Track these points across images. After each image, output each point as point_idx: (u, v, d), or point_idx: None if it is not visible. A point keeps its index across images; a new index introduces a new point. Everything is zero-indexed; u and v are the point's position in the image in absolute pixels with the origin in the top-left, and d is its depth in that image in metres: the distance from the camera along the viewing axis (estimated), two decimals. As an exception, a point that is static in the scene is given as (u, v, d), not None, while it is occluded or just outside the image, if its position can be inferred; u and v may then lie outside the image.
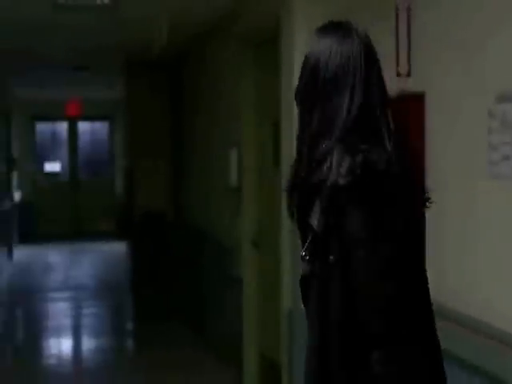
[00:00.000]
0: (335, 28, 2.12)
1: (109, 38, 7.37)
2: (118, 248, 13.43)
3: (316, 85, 2.01)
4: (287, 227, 4.41)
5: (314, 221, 1.81)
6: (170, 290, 9.28)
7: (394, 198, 1.80)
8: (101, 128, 16.66)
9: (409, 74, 3.86)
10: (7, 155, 12.92)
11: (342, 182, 1.75)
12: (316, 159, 1.85)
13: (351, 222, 1.74)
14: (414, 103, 3.78)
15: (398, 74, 3.92)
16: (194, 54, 7.66)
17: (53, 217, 15.77)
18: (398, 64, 3.93)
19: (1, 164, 11.63)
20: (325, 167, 1.81)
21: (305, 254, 1.86)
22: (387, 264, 1.75)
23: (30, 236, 15.00)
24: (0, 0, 5.52)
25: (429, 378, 1.79)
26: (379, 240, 1.74)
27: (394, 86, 3.91)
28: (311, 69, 2.06)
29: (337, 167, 1.78)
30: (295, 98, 2.10)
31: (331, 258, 1.78)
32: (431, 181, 3.68)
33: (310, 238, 1.84)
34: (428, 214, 3.33)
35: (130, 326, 8.97)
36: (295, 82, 4.15)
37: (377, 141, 1.91)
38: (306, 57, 2.11)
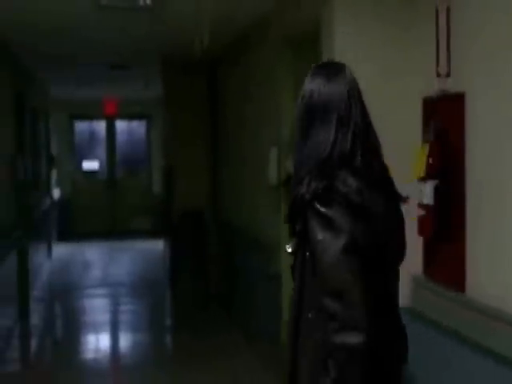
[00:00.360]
0: (327, 68, 2.50)
1: (149, 38, 7.47)
2: (154, 246, 13.55)
3: (307, 117, 2.40)
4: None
5: (298, 226, 2.34)
6: (208, 287, 9.37)
7: (353, 210, 2.25)
8: (138, 127, 16.80)
9: (448, 75, 3.90)
10: (47, 154, 13.10)
11: (307, 197, 2.25)
12: (300, 179, 2.33)
13: (311, 227, 2.25)
14: (454, 103, 3.82)
15: (438, 75, 3.97)
16: (233, 53, 7.74)
17: (90, 215, 15.94)
18: (437, 64, 3.97)
19: (41, 163, 11.81)
20: (303, 185, 2.29)
21: (291, 251, 2.42)
22: (338, 258, 2.20)
23: (67, 234, 15.19)
24: (37, 2, 5.63)
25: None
26: (331, 240, 2.21)
27: (434, 86, 3.97)
28: (304, 103, 2.43)
29: (307, 187, 2.27)
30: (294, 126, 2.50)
31: (307, 254, 2.31)
32: (471, 178, 3.73)
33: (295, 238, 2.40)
34: (468, 209, 3.38)
35: (168, 321, 9.08)
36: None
37: (347, 167, 2.32)
38: (301, 91, 2.47)
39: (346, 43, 4.30)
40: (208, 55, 7.56)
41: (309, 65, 4.87)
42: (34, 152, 10.48)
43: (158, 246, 12.64)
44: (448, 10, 3.89)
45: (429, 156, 3.85)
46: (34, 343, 7.91)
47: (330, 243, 2.20)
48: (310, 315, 2.33)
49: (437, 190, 3.84)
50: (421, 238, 4.12)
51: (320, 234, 2.22)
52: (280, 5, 5.39)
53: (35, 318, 8.70)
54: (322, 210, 2.21)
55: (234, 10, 5.84)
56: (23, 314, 8.44)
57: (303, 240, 2.31)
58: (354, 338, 2.16)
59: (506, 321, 3.45)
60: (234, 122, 7.89)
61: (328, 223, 2.20)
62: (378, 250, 2.32)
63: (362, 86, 4.22)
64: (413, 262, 4.26)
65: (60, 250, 13.85)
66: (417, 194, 3.94)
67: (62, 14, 6.10)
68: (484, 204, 3.64)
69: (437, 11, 3.96)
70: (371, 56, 4.31)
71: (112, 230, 15.95)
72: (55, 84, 12.19)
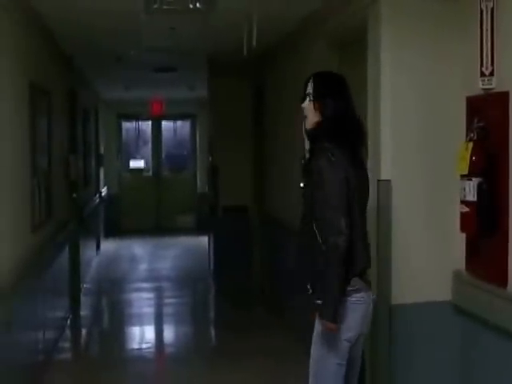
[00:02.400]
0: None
1: (197, 41, 7.54)
2: (199, 242, 13.65)
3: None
4: (374, 223, 4.47)
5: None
6: (252, 282, 9.43)
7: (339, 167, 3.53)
8: (183, 126, 16.94)
9: (492, 74, 3.90)
10: (96, 153, 13.27)
11: (320, 163, 3.54)
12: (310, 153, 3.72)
13: (318, 169, 3.55)
14: (497, 102, 3.81)
15: (482, 74, 3.96)
16: (279, 55, 7.77)
17: (136, 212, 16.10)
18: (481, 64, 3.97)
19: (90, 161, 11.97)
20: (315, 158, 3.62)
21: (303, 185, 3.74)
22: (329, 198, 3.49)
23: (114, 230, 15.37)
24: (93, 3, 5.70)
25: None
26: (326, 186, 3.50)
27: (478, 85, 3.97)
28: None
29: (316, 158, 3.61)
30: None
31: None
32: (514, 177, 3.71)
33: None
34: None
35: (213, 314, 9.15)
36: (382, 81, 4.21)
37: (340, 143, 3.61)
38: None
39: (391, 44, 4.31)
40: (253, 56, 7.60)
41: (355, 62, 4.89)
42: (84, 151, 10.63)
43: (202, 242, 12.73)
44: (492, 11, 3.89)
45: (472, 154, 3.85)
46: (83, 333, 8.05)
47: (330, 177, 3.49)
48: (314, 224, 3.55)
49: (480, 188, 3.84)
50: (463, 235, 4.12)
51: (324, 172, 3.49)
52: (326, 7, 5.40)
53: (85, 309, 8.84)
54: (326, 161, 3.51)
55: (280, 11, 5.87)
56: (74, 304, 8.58)
57: (311, 179, 3.60)
58: (339, 238, 3.43)
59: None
60: (278, 122, 7.92)
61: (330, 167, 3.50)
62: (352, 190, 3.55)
63: (409, 85, 4.25)
64: (455, 258, 4.26)
65: (107, 245, 14.02)
66: (460, 190, 3.95)
67: (115, 15, 6.18)
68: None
69: (481, 12, 3.96)
70: (417, 56, 4.31)
71: (157, 227, 16.10)
72: (104, 86, 12.34)
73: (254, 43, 5.55)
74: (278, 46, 7.55)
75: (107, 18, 6.30)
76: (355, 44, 4.98)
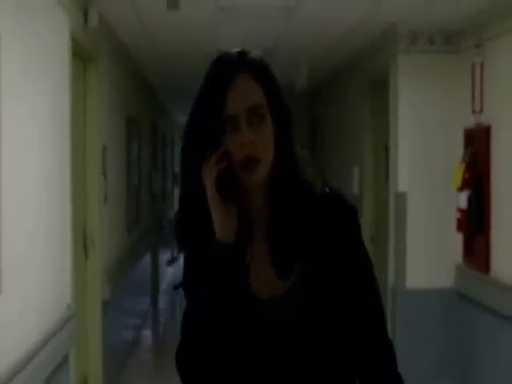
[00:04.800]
0: None
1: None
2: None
3: None
4: (393, 226, 5.59)
5: None
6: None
7: None
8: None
9: (481, 111, 4.98)
10: (172, 172, 14.62)
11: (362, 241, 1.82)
12: None
13: None
14: (483, 133, 4.90)
15: (474, 111, 5.06)
16: (325, 88, 8.90)
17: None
18: (473, 104, 5.06)
19: (167, 180, 13.29)
20: None
21: None
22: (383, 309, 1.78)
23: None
24: (178, 48, 6.82)
25: None
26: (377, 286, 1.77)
27: (471, 120, 5.08)
28: None
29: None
30: None
31: None
32: (494, 190, 4.79)
33: None
34: (492, 212, 4.46)
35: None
36: (399, 118, 5.30)
37: None
38: None
39: (406, 88, 5.44)
40: (306, 92, 8.72)
41: (383, 99, 5.99)
42: (162, 170, 11.95)
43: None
44: (482, 65, 4.98)
45: (464, 173, 4.94)
46: (161, 323, 9.28)
47: None
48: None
49: (470, 198, 4.92)
50: (460, 234, 5.20)
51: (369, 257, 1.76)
52: (363, 53, 6.52)
53: (162, 305, 10.09)
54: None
55: (326, 55, 6.96)
56: (154, 301, 9.83)
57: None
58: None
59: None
60: (328, 144, 9.02)
61: None
62: None
63: (419, 120, 5.35)
64: (455, 253, 5.34)
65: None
66: (455, 200, 5.04)
67: (193, 57, 7.27)
68: (503, 209, 4.69)
69: (473, 65, 5.06)
70: (425, 97, 5.43)
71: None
72: (180, 113, 13.64)
73: (305, 84, 6.68)
74: (324, 81, 8.67)
75: (188, 59, 7.42)
76: (384, 83, 6.09)
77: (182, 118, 14.61)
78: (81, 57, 4.61)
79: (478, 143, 4.98)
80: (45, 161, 3.52)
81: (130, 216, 7.06)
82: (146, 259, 9.05)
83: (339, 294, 1.62)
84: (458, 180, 4.98)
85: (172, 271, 12.98)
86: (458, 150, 5.25)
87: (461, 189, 4.98)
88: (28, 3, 3.20)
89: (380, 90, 6.14)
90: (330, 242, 1.62)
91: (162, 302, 10.28)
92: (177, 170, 16.10)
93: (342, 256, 1.63)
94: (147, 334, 8.48)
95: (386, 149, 5.90)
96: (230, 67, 1.62)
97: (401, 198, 5.43)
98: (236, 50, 1.67)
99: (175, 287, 1.72)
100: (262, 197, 1.66)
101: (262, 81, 1.64)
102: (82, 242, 4.83)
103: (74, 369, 4.14)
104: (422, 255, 5.44)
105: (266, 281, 1.62)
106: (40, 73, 3.43)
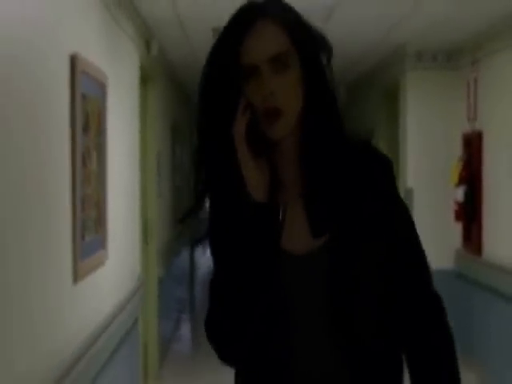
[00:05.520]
0: None
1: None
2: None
3: None
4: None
5: None
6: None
7: None
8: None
9: (475, 119, 5.91)
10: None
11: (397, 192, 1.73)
12: None
13: None
14: (476, 137, 5.83)
15: (469, 119, 5.99)
16: (349, 99, 9.83)
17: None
18: (469, 112, 5.99)
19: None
20: None
21: None
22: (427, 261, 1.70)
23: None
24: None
25: None
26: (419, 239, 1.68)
27: (465, 126, 6.00)
28: None
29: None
30: None
31: None
32: (486, 187, 5.72)
33: None
34: (484, 204, 5.40)
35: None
36: (407, 125, 6.20)
37: None
38: None
39: (413, 100, 6.39)
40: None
41: (395, 112, 6.90)
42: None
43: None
44: (475, 80, 5.91)
45: (461, 170, 5.87)
46: (197, 309, 10.27)
47: None
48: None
49: (465, 192, 5.85)
50: (459, 223, 6.13)
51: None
52: (378, 69, 7.45)
53: (198, 294, 11.10)
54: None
55: (346, 66, 7.87)
56: (191, 289, 10.84)
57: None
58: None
59: (506, 271, 5.40)
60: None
61: None
62: None
63: (424, 126, 6.27)
64: (455, 239, 6.27)
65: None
66: (453, 194, 5.98)
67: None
68: (494, 201, 5.62)
69: (468, 81, 5.99)
70: (429, 107, 6.37)
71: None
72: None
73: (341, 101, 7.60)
74: (352, 89, 9.58)
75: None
76: (396, 95, 7.02)
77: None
78: (143, 79, 5.60)
79: (472, 146, 5.91)
80: (125, 167, 4.51)
81: (174, 211, 8.04)
82: (185, 252, 10.03)
83: (378, 249, 1.53)
84: (455, 177, 5.91)
85: (203, 264, 13.98)
86: (456, 151, 6.19)
87: (458, 184, 5.91)
88: (115, 42, 4.18)
89: (393, 100, 7.07)
90: (368, 195, 1.53)
91: (198, 291, 11.29)
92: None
93: (381, 209, 1.54)
94: (186, 316, 9.48)
95: (397, 151, 6.83)
96: (247, 12, 1.51)
97: (408, 193, 6.37)
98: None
99: (196, 241, 1.84)
100: (294, 151, 1.56)
101: (285, 24, 1.51)
102: (143, 230, 5.83)
103: (141, 332, 5.12)
104: (426, 242, 6.28)
105: (299, 238, 1.54)
106: (124, 98, 4.42)
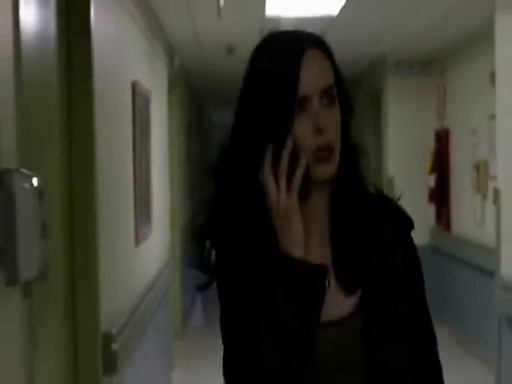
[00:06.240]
0: None
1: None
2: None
3: None
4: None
5: None
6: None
7: None
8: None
9: (444, 118, 7.05)
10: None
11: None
12: None
13: None
14: (444, 134, 6.97)
15: (439, 118, 7.13)
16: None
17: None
18: (438, 112, 7.13)
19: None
20: None
21: None
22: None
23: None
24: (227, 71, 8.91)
25: None
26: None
27: (436, 124, 7.14)
28: None
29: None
30: None
31: None
32: (452, 175, 6.86)
33: None
34: (451, 188, 6.53)
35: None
36: (388, 123, 7.32)
37: None
38: None
39: (393, 101, 7.52)
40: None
41: (379, 110, 8.02)
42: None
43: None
44: (444, 86, 7.04)
45: (433, 161, 7.01)
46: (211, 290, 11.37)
47: None
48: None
49: (436, 179, 6.99)
50: (433, 205, 7.28)
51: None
52: (364, 74, 8.56)
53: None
54: None
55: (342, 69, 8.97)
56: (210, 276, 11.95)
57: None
58: None
59: (470, 244, 6.54)
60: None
61: None
62: None
63: (402, 124, 7.40)
64: (429, 219, 7.41)
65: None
66: (427, 181, 7.12)
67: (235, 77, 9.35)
68: (459, 186, 6.75)
69: (439, 86, 7.13)
70: (407, 107, 7.51)
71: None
72: (217, 112, 15.71)
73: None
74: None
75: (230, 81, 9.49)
76: (379, 97, 8.14)
77: (218, 116, 16.70)
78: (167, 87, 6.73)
79: (442, 141, 7.05)
80: (158, 161, 5.63)
81: (191, 201, 9.19)
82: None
83: (397, 307, 1.43)
84: (428, 166, 7.05)
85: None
86: (429, 145, 7.33)
87: (430, 173, 7.05)
88: (153, 63, 5.29)
89: (378, 101, 8.21)
90: (394, 251, 1.46)
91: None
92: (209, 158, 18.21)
93: (405, 268, 1.46)
94: (199, 296, 10.60)
95: (381, 145, 7.97)
96: (299, 41, 1.38)
97: (390, 180, 7.51)
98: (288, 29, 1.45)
99: (201, 288, 1.46)
100: (324, 198, 1.42)
101: (330, 56, 1.42)
102: (170, 214, 6.96)
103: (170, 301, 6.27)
104: (405, 221, 7.51)
105: (334, 301, 1.38)
106: (158, 105, 5.54)
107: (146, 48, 4.89)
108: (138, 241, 4.17)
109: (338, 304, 1.39)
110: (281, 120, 1.34)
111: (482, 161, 5.99)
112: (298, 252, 1.35)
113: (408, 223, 1.53)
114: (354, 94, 9.44)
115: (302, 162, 1.34)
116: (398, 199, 1.54)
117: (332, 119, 1.37)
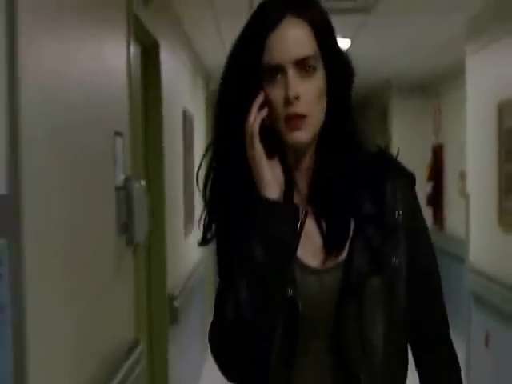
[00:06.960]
0: None
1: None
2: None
3: None
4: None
5: None
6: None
7: None
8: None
9: (438, 134, 8.18)
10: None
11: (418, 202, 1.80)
12: None
13: None
14: (439, 148, 8.11)
15: (435, 134, 8.27)
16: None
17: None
18: (435, 129, 8.27)
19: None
20: None
21: None
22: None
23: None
24: None
25: None
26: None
27: (433, 139, 8.29)
28: None
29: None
30: None
31: None
32: (445, 183, 8.00)
33: None
34: (445, 194, 7.74)
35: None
36: (392, 138, 8.53)
37: None
38: None
39: (397, 120, 8.67)
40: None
41: (386, 120, 9.16)
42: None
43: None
44: (439, 107, 8.18)
45: (430, 171, 8.15)
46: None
47: None
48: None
49: (433, 186, 8.12)
50: (430, 208, 8.41)
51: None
52: (373, 94, 9.70)
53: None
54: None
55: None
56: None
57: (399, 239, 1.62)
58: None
59: (458, 240, 7.63)
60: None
61: None
62: None
63: (404, 139, 8.57)
64: (428, 220, 8.48)
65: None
66: (426, 188, 8.27)
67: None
68: (450, 193, 7.87)
69: (435, 106, 8.27)
70: (408, 125, 8.65)
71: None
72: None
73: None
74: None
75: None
76: (386, 116, 9.27)
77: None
78: (205, 107, 7.93)
79: (437, 153, 8.19)
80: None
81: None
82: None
83: (398, 265, 1.47)
84: (427, 174, 8.20)
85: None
86: (427, 157, 8.48)
87: (428, 180, 8.18)
88: (195, 91, 6.49)
89: (385, 118, 9.35)
90: (390, 208, 1.48)
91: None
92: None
93: (405, 224, 1.49)
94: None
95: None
96: (275, 7, 1.39)
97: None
98: None
99: (201, 243, 1.51)
100: (309, 157, 1.46)
101: (314, 25, 1.39)
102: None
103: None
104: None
105: (313, 250, 1.43)
106: (198, 123, 6.74)
107: (190, 80, 6.09)
108: (186, 234, 5.37)
109: (320, 258, 1.43)
110: (248, 86, 1.39)
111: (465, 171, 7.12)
112: (269, 193, 1.37)
113: (410, 178, 1.60)
114: (366, 111, 10.63)
115: (258, 99, 1.40)
116: (397, 155, 1.58)
117: (306, 90, 1.38)
